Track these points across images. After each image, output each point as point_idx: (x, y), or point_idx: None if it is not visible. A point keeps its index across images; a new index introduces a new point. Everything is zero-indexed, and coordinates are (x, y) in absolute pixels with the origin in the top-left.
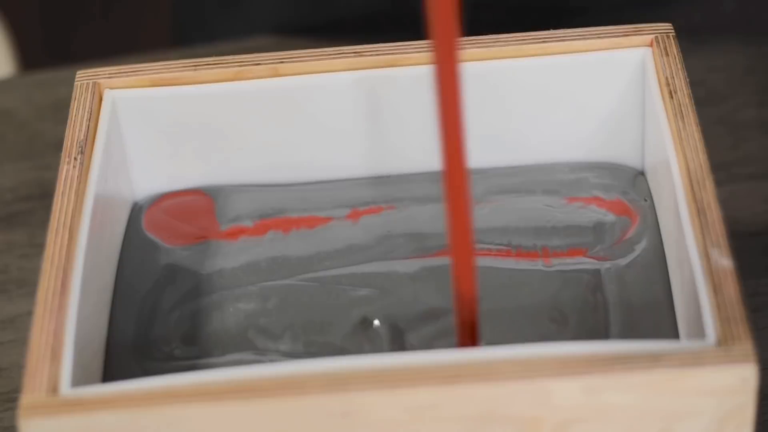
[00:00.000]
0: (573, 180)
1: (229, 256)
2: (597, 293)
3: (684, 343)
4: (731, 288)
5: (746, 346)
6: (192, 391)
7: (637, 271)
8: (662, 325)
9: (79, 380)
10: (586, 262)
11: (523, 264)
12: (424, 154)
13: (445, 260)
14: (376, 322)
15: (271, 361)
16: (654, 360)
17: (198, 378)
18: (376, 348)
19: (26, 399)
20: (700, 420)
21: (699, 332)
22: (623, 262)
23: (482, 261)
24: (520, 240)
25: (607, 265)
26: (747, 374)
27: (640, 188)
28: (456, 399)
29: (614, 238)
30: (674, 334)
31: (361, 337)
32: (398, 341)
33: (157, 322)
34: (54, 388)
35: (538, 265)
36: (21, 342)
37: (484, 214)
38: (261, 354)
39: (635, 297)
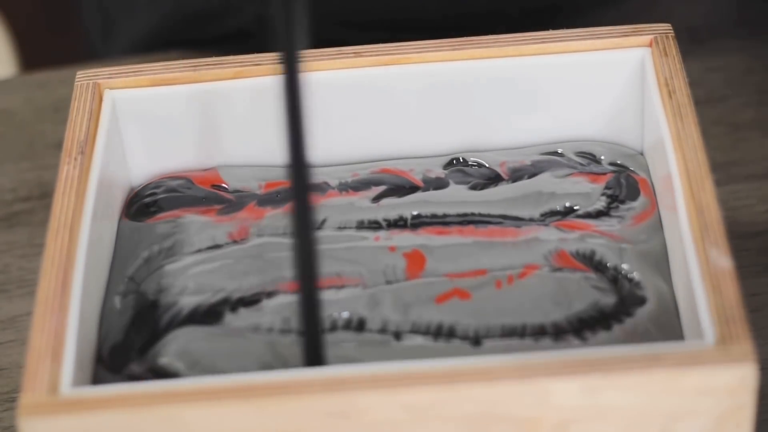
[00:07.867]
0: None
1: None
2: (600, 277)
3: (683, 343)
4: (730, 288)
5: (745, 345)
6: (192, 391)
7: (641, 263)
8: (665, 318)
9: (79, 380)
10: (596, 241)
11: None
12: (423, 152)
13: (435, 239)
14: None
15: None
16: (653, 360)
17: (198, 378)
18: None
19: (26, 399)
20: (700, 420)
21: (698, 332)
22: (635, 248)
23: (484, 245)
24: (521, 213)
25: (620, 245)
26: (746, 374)
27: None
28: (455, 399)
29: (632, 216)
30: (677, 327)
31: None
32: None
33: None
34: (54, 388)
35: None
36: (21, 342)
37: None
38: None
39: (636, 290)
